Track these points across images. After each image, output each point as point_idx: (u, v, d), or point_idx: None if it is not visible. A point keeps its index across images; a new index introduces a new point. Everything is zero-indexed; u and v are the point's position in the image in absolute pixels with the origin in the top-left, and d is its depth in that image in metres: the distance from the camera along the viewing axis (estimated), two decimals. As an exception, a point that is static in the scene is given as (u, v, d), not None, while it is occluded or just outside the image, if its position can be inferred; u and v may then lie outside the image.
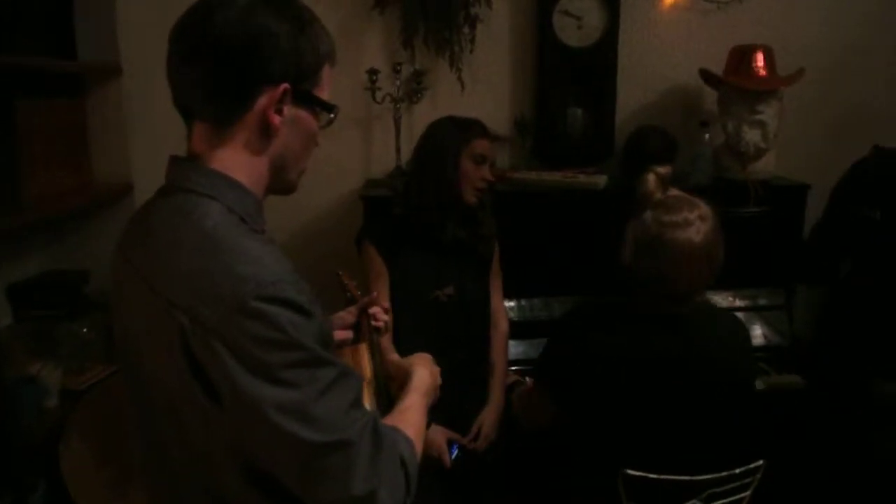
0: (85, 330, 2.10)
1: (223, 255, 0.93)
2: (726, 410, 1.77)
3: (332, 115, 1.09)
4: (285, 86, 0.99)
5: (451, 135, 2.07)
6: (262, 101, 0.99)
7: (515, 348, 2.44)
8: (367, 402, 1.24)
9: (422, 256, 2.08)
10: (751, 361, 1.86)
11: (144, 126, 2.34)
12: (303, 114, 1.04)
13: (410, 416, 1.17)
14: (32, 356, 1.97)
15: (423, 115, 2.67)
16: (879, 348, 2.19)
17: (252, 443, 0.95)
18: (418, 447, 1.10)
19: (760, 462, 1.79)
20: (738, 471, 1.76)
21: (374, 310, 1.54)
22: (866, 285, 2.27)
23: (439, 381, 1.35)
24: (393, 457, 1.00)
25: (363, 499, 0.95)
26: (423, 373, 1.31)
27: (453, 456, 2.04)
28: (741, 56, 2.58)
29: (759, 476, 1.80)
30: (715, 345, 1.75)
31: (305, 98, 1.03)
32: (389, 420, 1.14)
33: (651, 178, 1.71)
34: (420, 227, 2.07)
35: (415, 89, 2.69)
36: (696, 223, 1.63)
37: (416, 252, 2.08)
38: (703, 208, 1.67)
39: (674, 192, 1.71)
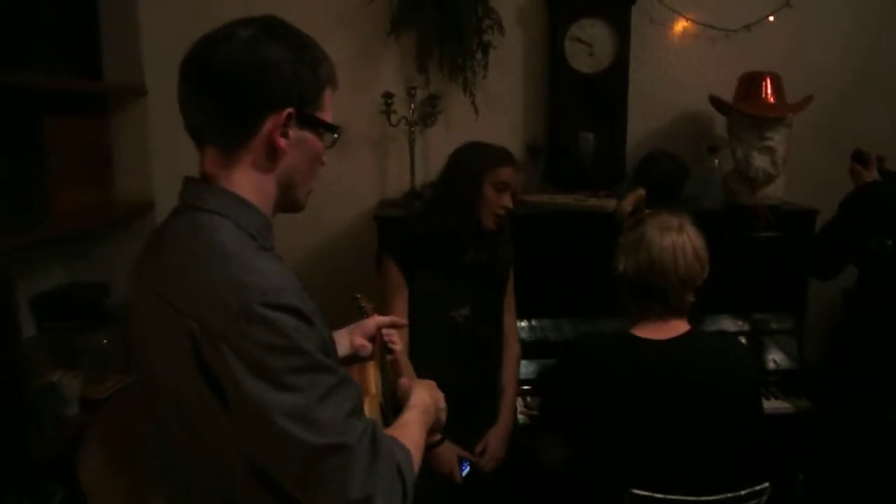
0: (105, 341, 2.16)
1: (230, 267, 0.99)
2: (727, 433, 1.80)
3: (335, 136, 1.15)
4: (289, 110, 1.06)
5: (477, 160, 2.10)
6: (268, 125, 1.06)
7: (526, 368, 2.47)
8: (368, 415, 1.29)
9: (439, 276, 2.11)
10: (753, 386, 1.89)
11: (167, 146, 2.42)
12: (307, 135, 1.11)
13: (408, 431, 1.21)
14: (54, 366, 2.02)
15: (436, 138, 2.74)
16: (892, 373, 2.20)
17: (255, 444, 1.00)
18: (416, 461, 1.13)
19: (766, 484, 1.81)
20: (743, 492, 1.78)
21: (389, 333, 1.57)
22: (877, 309, 2.28)
23: (442, 404, 1.39)
24: (390, 465, 1.04)
25: (359, 503, 0.98)
26: (423, 394, 1.35)
27: (464, 473, 2.06)
28: (750, 83, 2.64)
29: (765, 499, 1.81)
30: (715, 368, 1.79)
31: (309, 121, 1.10)
32: (389, 433, 1.17)
33: (628, 198, 1.81)
34: (439, 247, 2.11)
35: (429, 113, 2.76)
36: (675, 228, 1.75)
37: (433, 272, 2.11)
38: (684, 221, 1.77)
39: (648, 213, 1.81)
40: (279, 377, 0.95)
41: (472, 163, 2.10)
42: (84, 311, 2.23)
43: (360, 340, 1.51)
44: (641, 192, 1.84)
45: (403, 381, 1.40)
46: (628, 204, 1.82)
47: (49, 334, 2.17)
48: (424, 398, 1.34)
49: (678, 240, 1.76)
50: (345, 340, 1.49)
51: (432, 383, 1.42)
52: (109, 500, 1.74)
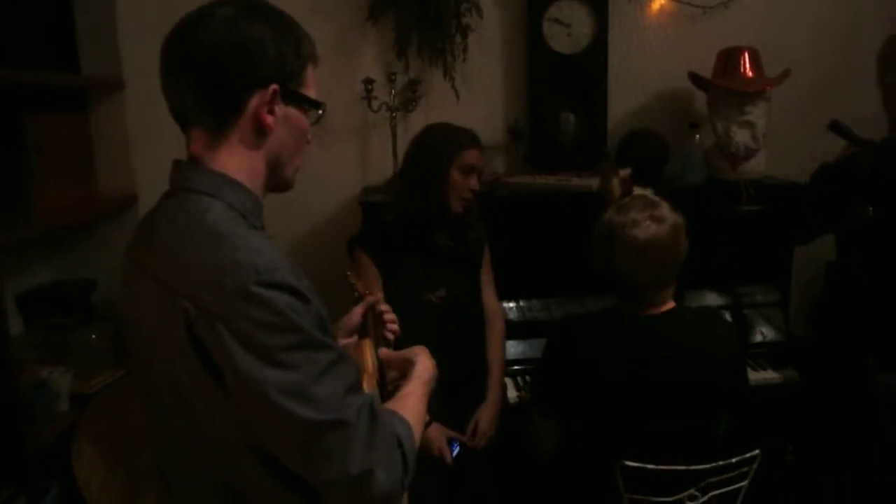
0: (94, 336, 2.17)
1: (224, 246, 1.01)
2: (714, 407, 1.84)
3: (320, 112, 1.18)
4: (274, 87, 1.08)
5: (441, 145, 2.11)
6: (254, 102, 1.07)
7: (515, 348, 2.51)
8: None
9: (412, 261, 2.13)
10: (738, 360, 1.93)
11: (147, 138, 2.42)
12: (293, 112, 1.13)
13: (409, 403, 1.23)
14: (43, 363, 2.03)
15: (418, 123, 2.74)
16: (879, 341, 2.24)
17: (255, 424, 1.02)
18: (417, 430, 1.16)
19: (756, 451, 1.85)
20: (734, 460, 1.82)
21: (385, 309, 1.59)
22: (859, 275, 2.32)
23: (437, 371, 1.42)
24: (390, 438, 1.06)
25: (360, 477, 1.00)
26: (427, 363, 1.38)
27: (454, 453, 2.09)
28: (728, 58, 2.67)
29: (755, 466, 1.86)
30: (701, 343, 1.83)
31: (294, 97, 1.12)
32: (390, 406, 1.21)
33: (614, 182, 1.83)
34: (409, 233, 2.12)
35: (410, 98, 2.78)
36: (644, 223, 1.75)
37: (406, 257, 2.12)
38: (660, 210, 1.78)
39: (638, 191, 1.81)
40: (275, 355, 0.97)
41: (436, 148, 2.10)
42: (72, 308, 2.24)
43: (343, 341, 1.52)
44: (624, 172, 1.86)
45: (403, 353, 1.42)
46: (616, 188, 1.84)
47: (37, 332, 2.18)
48: (429, 369, 1.36)
49: (635, 242, 1.76)
50: None
51: (425, 349, 1.45)
52: (104, 495, 1.76)
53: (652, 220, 1.77)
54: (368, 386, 1.37)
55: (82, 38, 2.36)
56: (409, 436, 1.11)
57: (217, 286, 0.98)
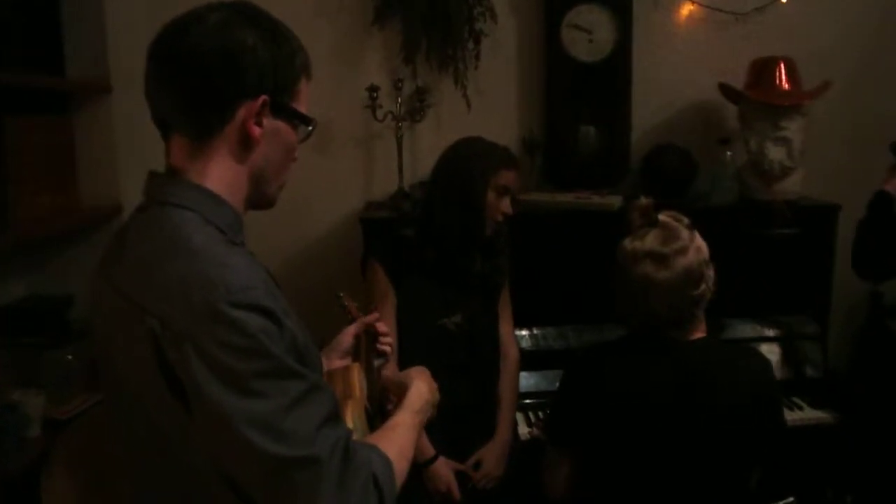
0: (69, 357, 2.17)
1: (195, 261, 1.00)
2: (745, 451, 1.81)
3: (310, 129, 1.18)
4: (264, 97, 1.08)
5: (480, 162, 2.10)
6: (242, 112, 1.08)
7: (528, 380, 2.49)
8: (351, 422, 1.30)
9: (430, 281, 2.12)
10: (774, 402, 1.89)
11: (134, 145, 2.43)
12: (282, 126, 1.13)
13: (397, 435, 1.22)
14: (15, 384, 2.03)
15: (426, 134, 2.77)
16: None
17: (220, 453, 1.01)
18: (401, 465, 1.15)
19: (791, 499, 1.82)
20: (766, 509, 1.80)
21: (380, 327, 1.59)
22: None
23: (437, 396, 1.41)
24: (366, 477, 1.04)
25: None
26: (422, 388, 1.37)
27: None
28: (762, 69, 2.67)
29: (789, 516, 1.83)
30: (731, 381, 1.80)
31: (285, 110, 1.12)
32: (375, 437, 1.20)
33: (633, 213, 1.82)
34: (438, 254, 2.11)
35: (417, 107, 2.78)
36: (663, 257, 1.72)
37: (423, 276, 2.12)
38: (681, 242, 1.75)
39: (664, 218, 1.80)
40: (243, 382, 0.96)
41: (474, 164, 2.09)
42: (47, 326, 2.23)
43: (337, 363, 1.52)
44: (644, 202, 1.85)
45: (396, 375, 1.41)
46: (636, 219, 1.83)
47: (9, 351, 2.17)
48: (423, 395, 1.36)
49: (646, 280, 1.73)
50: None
51: (426, 370, 1.44)
52: (75, 527, 1.75)
53: (676, 254, 1.75)
54: (354, 413, 1.36)
55: (68, 38, 2.39)
56: (388, 474, 1.10)
57: (185, 304, 0.97)
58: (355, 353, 1.56)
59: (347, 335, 1.56)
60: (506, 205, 2.12)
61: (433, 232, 2.11)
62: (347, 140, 2.83)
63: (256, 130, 1.09)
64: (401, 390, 1.37)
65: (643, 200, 1.86)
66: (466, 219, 2.08)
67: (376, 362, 1.57)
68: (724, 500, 1.78)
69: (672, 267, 1.72)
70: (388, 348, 1.59)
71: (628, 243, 1.80)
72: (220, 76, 1.06)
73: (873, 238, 2.27)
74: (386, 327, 1.62)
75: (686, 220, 1.79)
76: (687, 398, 1.74)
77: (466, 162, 2.11)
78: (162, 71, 1.09)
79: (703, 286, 1.75)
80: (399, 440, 1.21)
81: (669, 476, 1.76)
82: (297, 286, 2.72)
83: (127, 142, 2.44)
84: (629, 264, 1.76)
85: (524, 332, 2.55)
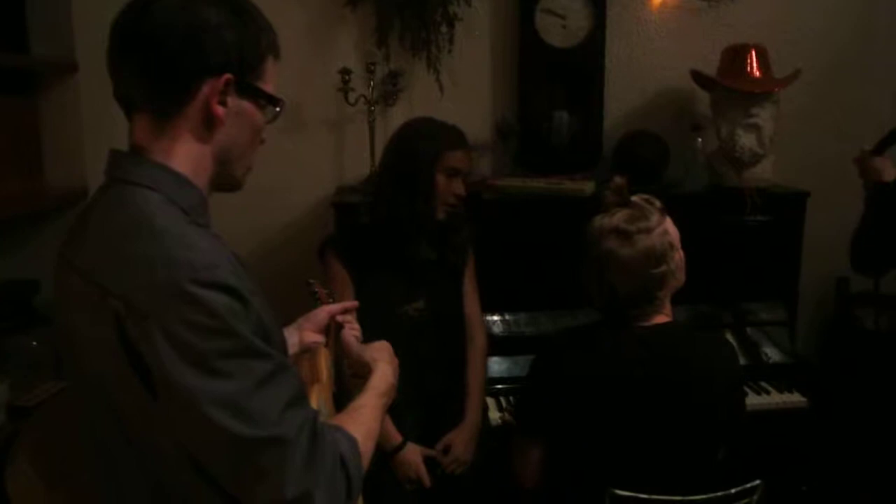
0: (34, 343, 2.14)
1: (158, 241, 0.99)
2: (710, 434, 1.84)
3: (277, 109, 1.16)
4: (228, 76, 1.07)
5: (424, 145, 2.07)
6: (205, 91, 1.06)
7: (500, 365, 2.50)
8: (316, 405, 1.29)
9: (389, 268, 2.10)
10: (737, 387, 1.93)
11: (101, 126, 2.38)
12: (247, 106, 1.12)
13: (362, 415, 1.23)
14: (-23, 371, 2.00)
15: (398, 118, 2.73)
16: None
17: (185, 435, 1.00)
18: (367, 446, 1.16)
19: (758, 482, 1.84)
20: (733, 491, 1.82)
21: (348, 320, 1.58)
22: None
23: (397, 372, 1.42)
24: (332, 457, 1.05)
25: (297, 500, 0.99)
26: (386, 370, 1.37)
27: None
28: (734, 56, 2.68)
29: (756, 497, 1.85)
30: (695, 362, 1.82)
31: (250, 90, 1.11)
32: (340, 419, 1.21)
33: (606, 191, 1.85)
34: (387, 241, 2.09)
35: (390, 91, 2.77)
36: (627, 234, 1.75)
37: (383, 264, 2.10)
38: (647, 223, 1.78)
39: (636, 199, 1.82)
40: (208, 361, 0.96)
41: (418, 148, 2.06)
42: (11, 311, 2.20)
43: (310, 336, 1.52)
44: (619, 181, 1.87)
45: (359, 352, 1.41)
46: (611, 197, 1.86)
47: (-28, 337, 2.15)
48: (387, 378, 1.36)
49: (609, 255, 1.76)
50: (294, 338, 1.50)
51: (388, 347, 1.45)
52: (42, 517, 1.73)
53: (639, 232, 1.77)
54: (321, 398, 1.36)
55: (32, 15, 2.34)
56: (355, 454, 1.10)
57: (149, 284, 0.96)
58: (325, 335, 1.56)
59: (324, 311, 1.56)
60: (458, 186, 2.09)
61: (384, 218, 2.09)
62: (319, 124, 2.81)
63: (220, 110, 1.08)
64: (363, 369, 1.38)
65: (618, 180, 1.88)
66: (415, 204, 2.05)
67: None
68: (691, 480, 1.80)
69: (635, 244, 1.75)
70: (357, 334, 1.58)
71: (597, 219, 1.83)
72: (182, 53, 1.04)
73: (877, 232, 2.28)
74: (352, 320, 1.60)
75: (658, 204, 1.82)
76: (651, 382, 1.76)
77: (412, 144, 2.08)
78: (123, 47, 1.07)
79: (663, 267, 1.77)
80: (365, 421, 1.21)
81: (637, 459, 1.78)
82: (268, 270, 2.71)
83: (94, 123, 2.40)
84: (595, 239, 1.80)
85: (496, 318, 2.56)
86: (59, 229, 2.35)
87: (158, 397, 0.98)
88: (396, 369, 1.42)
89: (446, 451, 2.15)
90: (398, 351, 1.55)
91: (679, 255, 1.82)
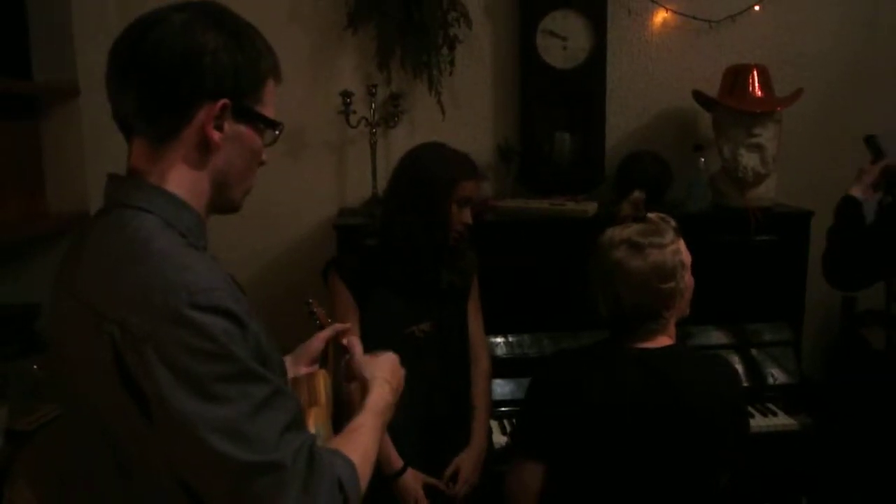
0: (35, 367, 2.14)
1: (155, 264, 0.99)
2: (711, 458, 1.83)
3: (276, 133, 1.17)
4: (224, 101, 1.07)
5: (441, 173, 2.05)
6: (201, 116, 1.07)
7: (502, 388, 2.49)
8: (314, 429, 1.29)
9: (395, 290, 2.09)
10: (735, 407, 1.91)
11: (103, 150, 2.40)
12: (245, 130, 1.12)
13: (359, 437, 1.22)
14: (-23, 396, 2.00)
15: (400, 140, 2.76)
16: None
17: (180, 461, 1.00)
18: (365, 469, 1.15)
19: (764, 507, 1.83)
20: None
21: (350, 341, 1.58)
22: None
23: (402, 384, 1.41)
24: (330, 482, 1.04)
25: None
26: (384, 389, 1.36)
27: None
28: (736, 76, 2.70)
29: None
30: (695, 386, 1.81)
31: (247, 114, 1.11)
32: (337, 441, 1.20)
33: (624, 203, 1.84)
34: (394, 264, 2.08)
35: (391, 113, 2.79)
36: (639, 247, 1.74)
37: (388, 286, 2.09)
38: (661, 238, 1.77)
39: (653, 215, 1.82)
40: (207, 386, 0.95)
41: (436, 175, 2.05)
42: (11, 335, 2.20)
43: (304, 370, 1.50)
44: (638, 195, 1.87)
45: (361, 366, 1.41)
46: (627, 209, 1.85)
47: (-27, 360, 2.15)
48: (384, 397, 1.35)
49: (618, 267, 1.75)
50: (289, 372, 1.47)
51: (391, 361, 1.43)
52: (40, 542, 1.72)
53: (652, 247, 1.77)
54: (319, 420, 1.36)
55: (35, 41, 2.36)
56: (353, 478, 1.09)
57: (146, 307, 0.96)
58: (322, 360, 1.55)
59: (318, 340, 1.55)
60: (466, 215, 2.08)
61: (395, 243, 2.08)
62: (321, 146, 2.83)
63: (215, 134, 1.08)
64: (363, 390, 1.36)
65: (637, 194, 1.88)
66: (430, 232, 2.05)
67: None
68: (693, 498, 1.79)
69: (645, 258, 1.74)
70: (356, 350, 1.58)
71: (610, 230, 1.82)
72: (179, 78, 1.05)
73: (841, 245, 2.28)
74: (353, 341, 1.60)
75: (674, 223, 1.81)
76: (653, 405, 1.75)
77: (427, 173, 2.06)
78: (121, 71, 1.08)
79: (671, 283, 1.76)
80: (362, 443, 1.20)
81: (637, 482, 1.76)
82: (270, 292, 2.71)
83: (95, 147, 2.41)
84: (606, 248, 1.78)
85: (499, 340, 2.56)
86: (61, 253, 2.33)
87: (155, 423, 0.98)
88: (400, 383, 1.41)
89: (454, 479, 2.13)
90: (405, 371, 1.55)
91: (689, 278, 1.80)
